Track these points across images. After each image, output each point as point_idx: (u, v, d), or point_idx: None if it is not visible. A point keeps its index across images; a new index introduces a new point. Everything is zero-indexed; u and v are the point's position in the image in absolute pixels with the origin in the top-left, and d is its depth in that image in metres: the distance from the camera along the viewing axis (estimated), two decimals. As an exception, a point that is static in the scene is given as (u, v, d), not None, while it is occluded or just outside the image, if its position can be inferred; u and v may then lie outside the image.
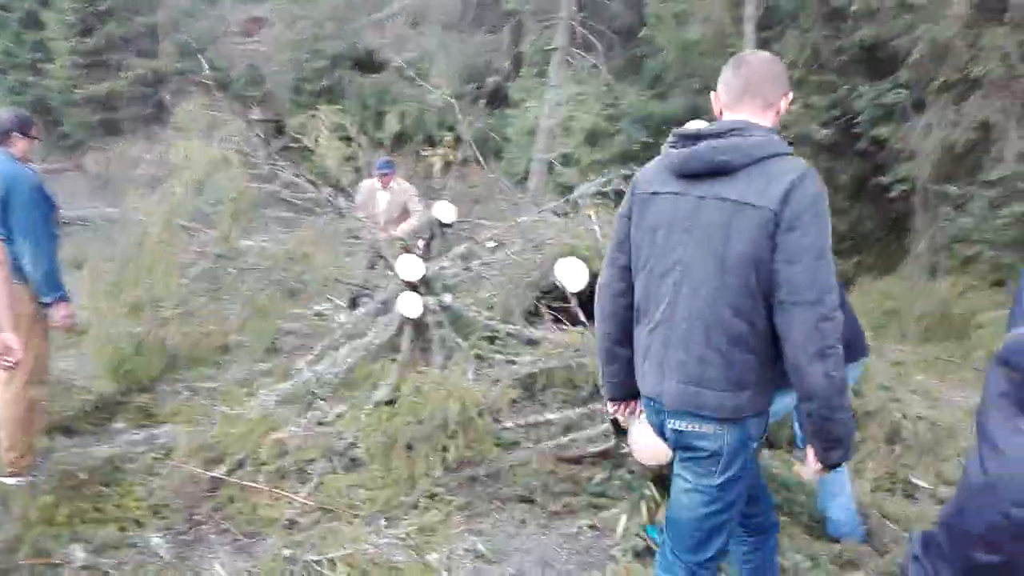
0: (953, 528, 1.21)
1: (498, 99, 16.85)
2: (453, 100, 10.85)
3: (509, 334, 5.66)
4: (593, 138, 13.38)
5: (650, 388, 2.34)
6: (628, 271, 2.39)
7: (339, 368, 4.89)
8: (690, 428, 2.26)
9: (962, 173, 7.87)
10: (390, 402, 4.65)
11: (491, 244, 6.15)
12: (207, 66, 18.17)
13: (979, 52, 7.47)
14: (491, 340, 5.72)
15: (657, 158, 2.36)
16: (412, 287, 5.33)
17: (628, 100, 13.51)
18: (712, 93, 2.31)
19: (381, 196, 7.49)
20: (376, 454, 3.90)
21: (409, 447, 3.82)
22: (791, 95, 2.27)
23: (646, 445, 3.55)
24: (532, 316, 6.03)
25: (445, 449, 3.73)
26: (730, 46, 11.12)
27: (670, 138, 2.30)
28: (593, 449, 4.16)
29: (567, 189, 13.33)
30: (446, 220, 7.75)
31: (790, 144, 2.21)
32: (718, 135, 2.16)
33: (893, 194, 9.66)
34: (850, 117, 10.82)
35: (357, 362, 5.02)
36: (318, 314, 6.72)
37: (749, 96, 2.21)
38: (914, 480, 4.15)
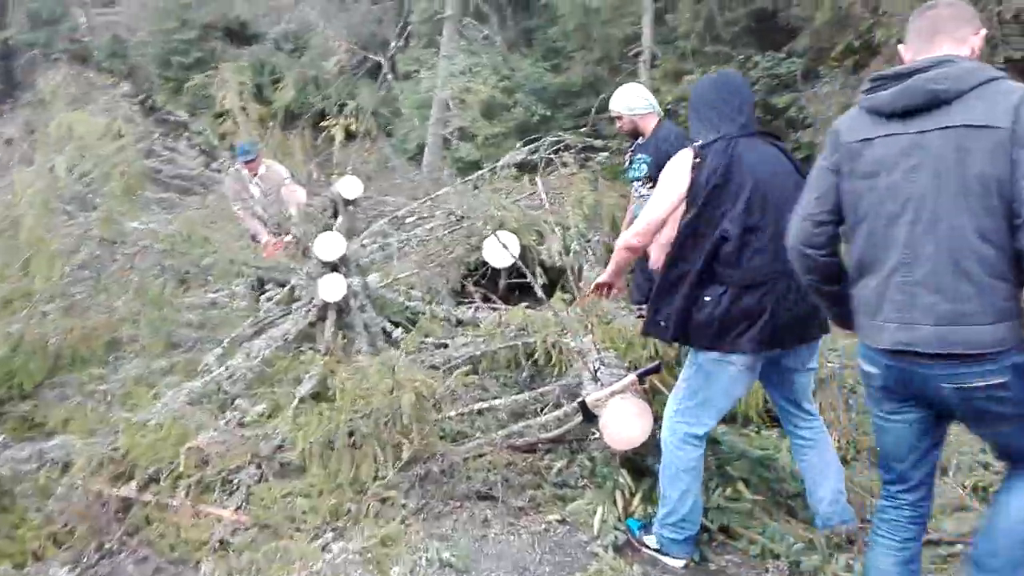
0: None
1: (386, 71, 16.21)
2: (346, 70, 10.25)
3: (436, 315, 5.29)
4: (490, 111, 13.02)
5: (891, 340, 2.22)
6: (828, 225, 2.37)
7: (253, 362, 4.39)
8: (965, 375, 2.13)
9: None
10: (316, 396, 4.21)
11: (411, 219, 5.73)
12: (67, 37, 16.63)
13: (880, 17, 7.57)
14: (413, 323, 5.33)
15: (852, 108, 2.35)
16: (332, 268, 4.87)
17: (524, 72, 13.19)
18: (900, 46, 2.35)
19: (254, 184, 6.87)
20: (314, 457, 3.46)
21: (354, 446, 3.41)
22: (983, 32, 2.27)
23: (618, 429, 3.29)
24: (459, 295, 5.68)
25: (398, 446, 3.34)
26: (630, 14, 10.99)
27: (867, 84, 2.29)
28: (546, 435, 3.87)
29: (468, 164, 12.97)
30: (350, 196, 7.25)
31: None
32: (926, 69, 2.15)
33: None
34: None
35: (273, 354, 4.53)
36: (213, 303, 6.12)
37: (941, 35, 2.23)
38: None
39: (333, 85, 14.02)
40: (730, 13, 11.32)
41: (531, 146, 5.69)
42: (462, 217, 5.60)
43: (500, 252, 5.34)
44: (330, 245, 4.77)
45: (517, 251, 5.32)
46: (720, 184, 2.82)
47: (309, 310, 4.62)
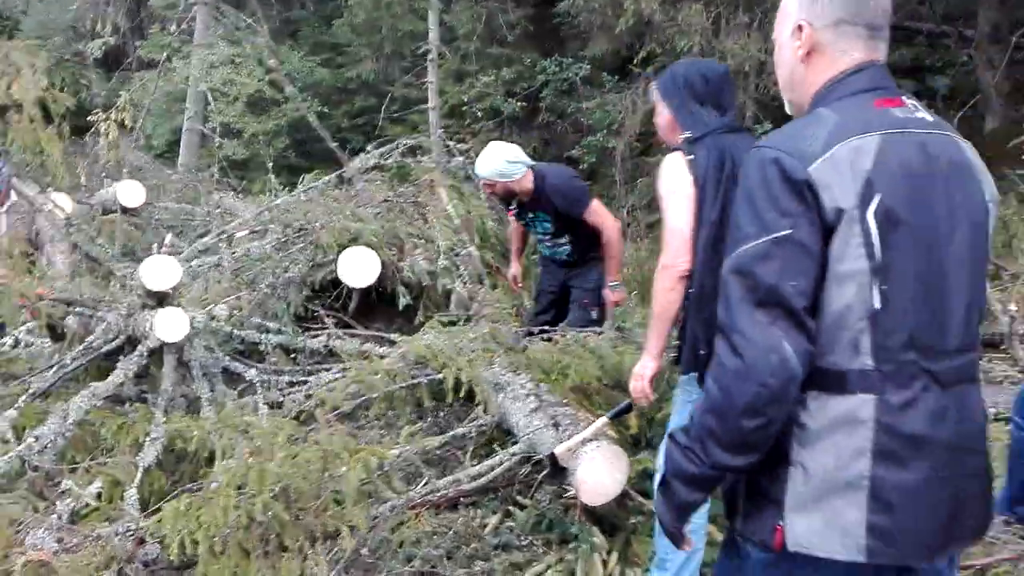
0: (720, 408, 1.38)
1: (118, 60, 14.32)
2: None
3: (283, 346, 4.51)
4: (257, 106, 11.88)
5: None
6: None
7: (69, 425, 3.36)
8: None
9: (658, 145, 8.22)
10: (160, 464, 3.33)
11: (242, 233, 4.82)
12: None
13: (679, 27, 7.77)
14: (241, 353, 4.51)
15: None
16: (159, 299, 3.91)
17: (293, 66, 12.18)
18: None
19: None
20: (207, 559, 2.63)
21: (268, 540, 2.63)
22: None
23: (596, 482, 2.85)
24: (302, 321, 4.89)
25: (336, 534, 2.62)
26: (421, 10, 10.51)
27: None
28: (470, 486, 3.33)
29: (236, 164, 11.70)
30: (131, 204, 6.16)
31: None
32: None
33: (583, 167, 9.89)
34: (534, 90, 10.89)
35: (94, 412, 3.52)
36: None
37: None
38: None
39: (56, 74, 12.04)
40: (506, 16, 11.21)
41: (383, 149, 5.02)
42: (301, 229, 4.81)
43: (358, 269, 4.67)
44: (160, 271, 3.81)
45: (378, 268, 4.69)
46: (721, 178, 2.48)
47: (144, 355, 3.64)
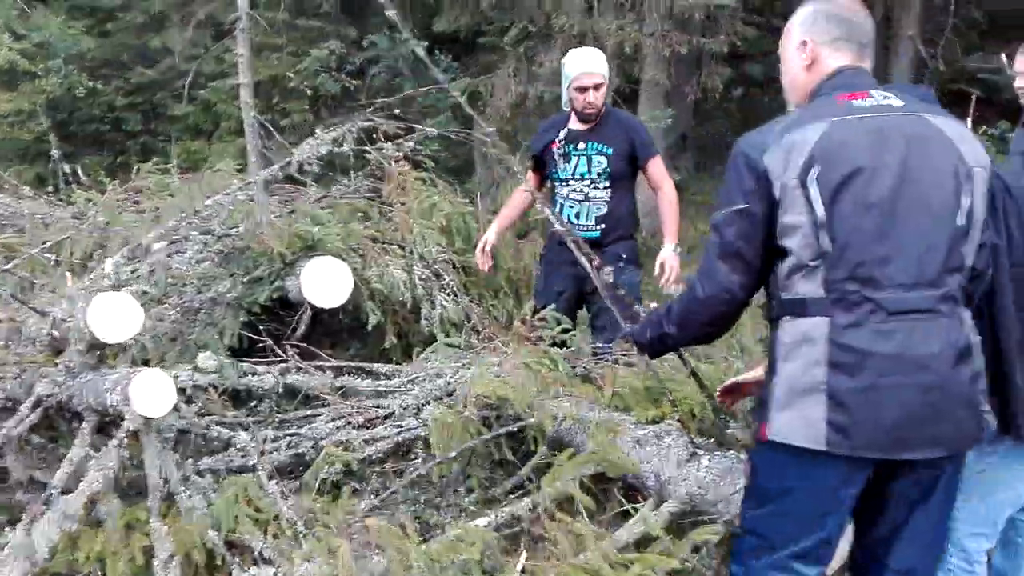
0: (686, 319, 2.01)
1: None
2: None
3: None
4: (10, 79, 9.70)
5: None
6: None
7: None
8: None
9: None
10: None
11: (159, 245, 3.59)
12: None
13: (556, 4, 7.33)
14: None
15: None
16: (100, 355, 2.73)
17: (51, 31, 10.07)
18: None
19: None
20: None
21: None
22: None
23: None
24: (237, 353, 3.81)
25: None
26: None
27: None
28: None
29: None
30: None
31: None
32: None
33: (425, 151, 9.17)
34: (359, 67, 9.94)
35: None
36: None
37: None
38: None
39: None
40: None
41: (336, 133, 4.00)
42: (226, 237, 3.71)
43: (326, 285, 3.71)
44: (114, 314, 2.62)
45: (350, 283, 3.75)
46: None
47: (122, 441, 2.46)
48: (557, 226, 3.03)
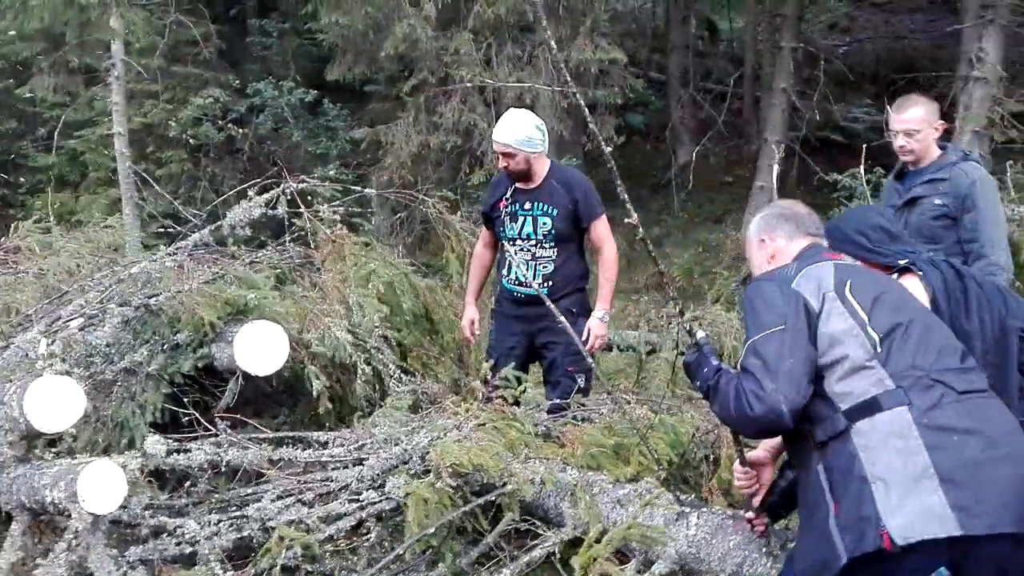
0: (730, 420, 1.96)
1: None
2: None
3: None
4: None
5: None
6: None
7: None
8: None
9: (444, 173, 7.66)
10: None
11: (76, 322, 3.24)
12: None
13: (455, 56, 7.34)
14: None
15: None
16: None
17: None
18: None
19: None
20: None
21: None
22: None
23: None
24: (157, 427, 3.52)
25: None
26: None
27: None
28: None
29: None
30: None
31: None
32: None
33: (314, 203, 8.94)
34: (240, 116, 9.61)
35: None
36: None
37: None
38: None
39: None
40: (200, 29, 9.73)
41: (267, 195, 3.73)
42: (146, 307, 3.42)
43: (260, 351, 3.50)
44: (55, 401, 2.32)
45: (286, 348, 3.55)
46: None
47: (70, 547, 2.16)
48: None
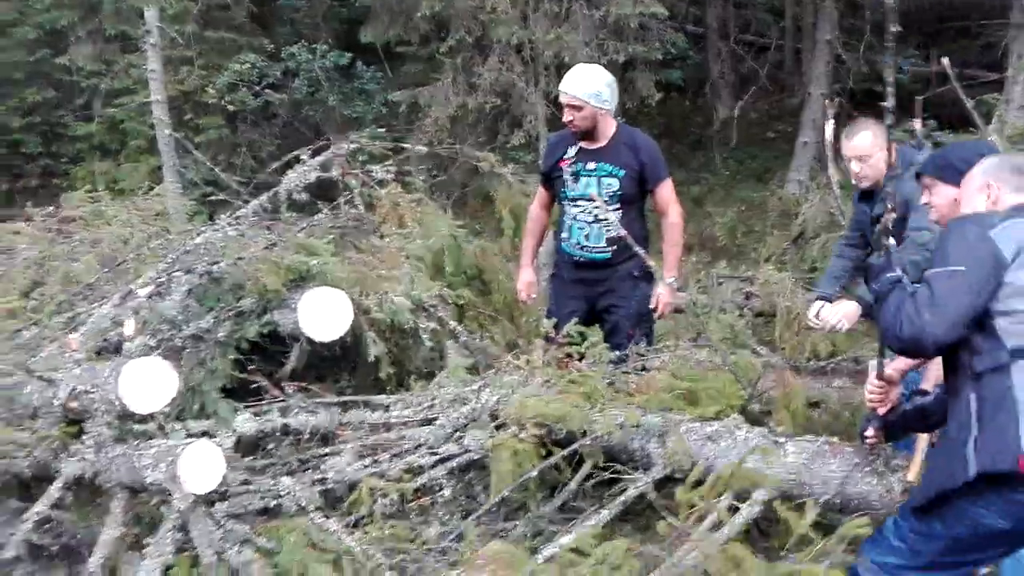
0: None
1: None
2: None
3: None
4: None
5: None
6: None
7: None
8: None
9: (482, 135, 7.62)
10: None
11: (145, 291, 3.28)
12: None
13: (491, 15, 7.24)
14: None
15: None
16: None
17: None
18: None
19: None
20: None
21: None
22: None
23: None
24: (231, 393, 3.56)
25: None
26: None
27: None
28: None
29: None
30: None
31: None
32: None
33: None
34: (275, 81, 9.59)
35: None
36: None
37: None
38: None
39: None
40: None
41: (321, 157, 3.73)
42: (212, 275, 3.45)
43: (324, 317, 3.52)
44: (146, 382, 2.36)
45: (350, 314, 3.57)
46: None
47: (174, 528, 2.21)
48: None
